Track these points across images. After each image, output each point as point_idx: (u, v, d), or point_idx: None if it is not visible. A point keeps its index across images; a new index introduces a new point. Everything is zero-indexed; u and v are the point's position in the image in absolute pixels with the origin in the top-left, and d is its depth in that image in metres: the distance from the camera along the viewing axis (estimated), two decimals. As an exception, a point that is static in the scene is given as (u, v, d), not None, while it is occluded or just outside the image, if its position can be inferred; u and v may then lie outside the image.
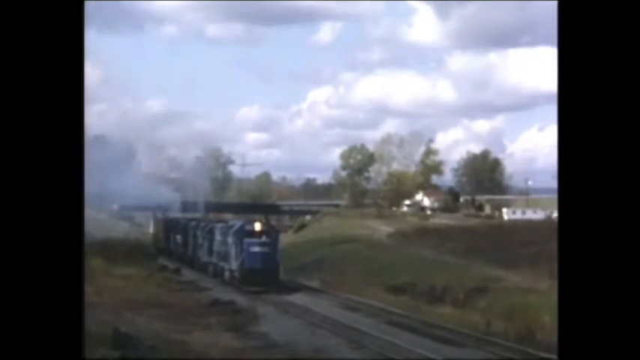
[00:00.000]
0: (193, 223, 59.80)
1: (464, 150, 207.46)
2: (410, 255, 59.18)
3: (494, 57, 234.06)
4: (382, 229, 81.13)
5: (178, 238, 64.07)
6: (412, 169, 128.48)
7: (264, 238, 44.15)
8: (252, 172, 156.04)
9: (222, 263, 47.87)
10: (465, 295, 40.33)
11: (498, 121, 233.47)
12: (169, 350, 22.56)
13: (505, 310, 34.20)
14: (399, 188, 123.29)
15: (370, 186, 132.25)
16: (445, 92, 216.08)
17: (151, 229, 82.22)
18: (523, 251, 54.33)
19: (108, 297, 32.33)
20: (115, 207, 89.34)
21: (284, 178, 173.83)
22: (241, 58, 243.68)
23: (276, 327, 30.52)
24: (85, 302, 10.87)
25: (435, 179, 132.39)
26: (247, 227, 45.29)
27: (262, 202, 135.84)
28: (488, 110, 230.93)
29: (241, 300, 38.82)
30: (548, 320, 27.96)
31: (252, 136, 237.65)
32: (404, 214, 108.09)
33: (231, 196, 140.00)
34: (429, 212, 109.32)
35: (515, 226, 77.67)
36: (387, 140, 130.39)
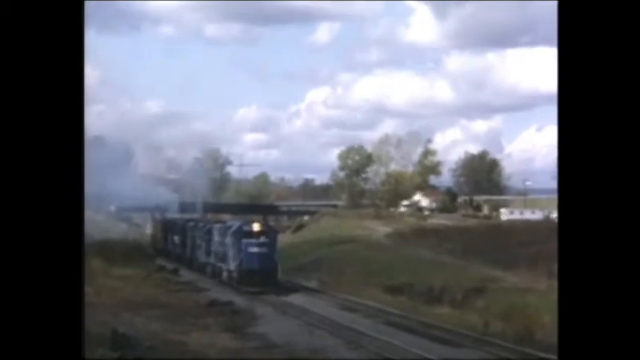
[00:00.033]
0: (191, 224, 59.79)
1: (462, 150, 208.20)
2: (408, 255, 59.21)
3: (492, 57, 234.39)
4: (380, 229, 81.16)
5: (176, 238, 64.07)
6: (410, 169, 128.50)
7: (262, 239, 44.11)
8: (250, 173, 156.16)
9: (220, 264, 47.85)
10: (463, 296, 40.35)
11: (496, 121, 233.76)
12: (167, 351, 22.56)
13: (503, 311, 34.21)
14: (396, 189, 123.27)
15: (368, 186, 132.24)
16: (443, 92, 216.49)
17: (149, 230, 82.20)
18: (521, 251, 54.38)
19: (106, 297, 32.31)
20: (113, 208, 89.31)
21: (282, 179, 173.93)
22: (239, 59, 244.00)
23: (274, 327, 30.53)
24: (84, 302, 10.87)
25: (432, 180, 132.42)
26: (245, 228, 45.25)
27: (260, 202, 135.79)
28: (486, 110, 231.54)
29: (239, 300, 38.81)
30: (546, 320, 27.98)
31: (250, 137, 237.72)
32: (402, 214, 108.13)
33: (229, 197, 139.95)
34: (426, 213, 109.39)
35: (513, 226, 77.68)
36: (384, 141, 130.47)
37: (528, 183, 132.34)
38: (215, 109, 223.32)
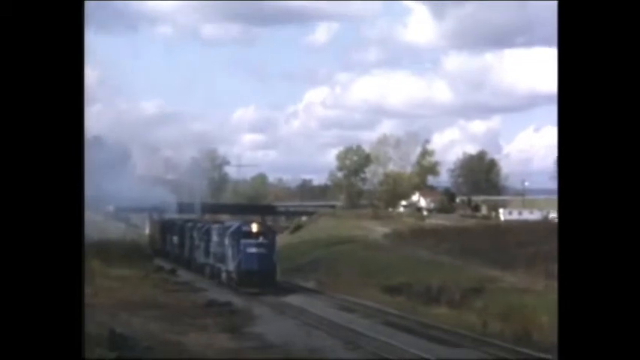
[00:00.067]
0: (190, 225, 59.73)
1: (460, 151, 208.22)
2: (406, 256, 59.24)
3: (490, 57, 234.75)
4: (378, 229, 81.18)
5: (175, 239, 64.02)
6: (408, 169, 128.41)
7: (261, 239, 44.03)
8: (248, 174, 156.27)
9: (218, 264, 47.78)
10: (461, 296, 40.39)
11: (494, 121, 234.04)
12: (165, 351, 22.55)
13: (501, 311, 34.24)
14: (395, 189, 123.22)
15: (366, 187, 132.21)
16: (441, 93, 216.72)
17: (147, 231, 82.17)
18: (519, 252, 54.45)
19: (104, 298, 32.27)
20: (111, 208, 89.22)
21: (280, 180, 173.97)
22: (237, 59, 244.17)
23: (272, 328, 30.50)
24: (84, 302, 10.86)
25: (431, 180, 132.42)
26: (244, 228, 45.17)
27: (258, 203, 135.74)
28: (484, 111, 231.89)
29: (237, 301, 38.78)
30: (544, 320, 27.99)
31: (248, 137, 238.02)
32: (400, 214, 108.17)
33: (227, 198, 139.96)
34: (425, 213, 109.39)
35: (511, 226, 77.82)
36: (383, 141, 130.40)
37: (526, 183, 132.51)
38: (213, 109, 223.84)
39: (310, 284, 48.51)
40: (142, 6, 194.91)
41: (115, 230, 78.14)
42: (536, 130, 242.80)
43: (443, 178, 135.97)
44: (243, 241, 43.72)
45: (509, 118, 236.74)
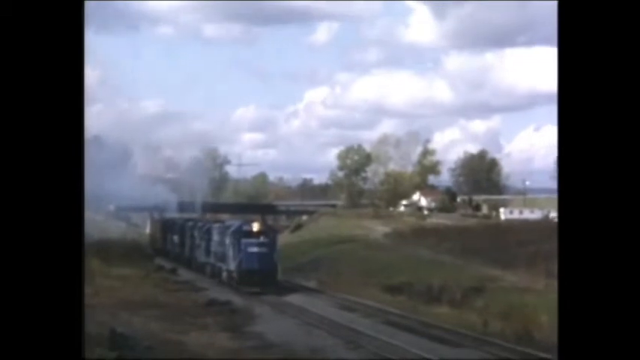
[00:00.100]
0: (190, 224, 59.68)
1: (461, 150, 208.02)
2: (407, 255, 59.26)
3: (490, 57, 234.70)
4: (379, 229, 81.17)
5: (175, 238, 63.99)
6: (409, 169, 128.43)
7: (262, 239, 43.95)
8: (249, 173, 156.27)
9: (219, 264, 47.74)
10: (462, 295, 40.41)
11: (495, 121, 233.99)
12: (166, 350, 22.52)
13: (502, 310, 34.24)
14: (395, 188, 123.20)
15: (367, 186, 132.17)
16: (442, 92, 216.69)
17: (148, 230, 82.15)
18: (520, 251, 54.45)
19: (105, 297, 32.26)
20: (112, 208, 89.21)
21: (280, 179, 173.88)
22: (237, 59, 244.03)
23: (272, 327, 30.49)
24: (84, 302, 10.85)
25: (432, 179, 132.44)
26: (245, 227, 45.05)
27: (259, 202, 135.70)
28: (484, 110, 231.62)
29: (238, 300, 38.77)
30: (545, 320, 27.98)
31: (248, 137, 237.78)
32: (401, 214, 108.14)
33: (227, 197, 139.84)
34: (426, 212, 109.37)
35: (512, 226, 77.78)
36: (383, 140, 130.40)
37: (527, 182, 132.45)
38: (214, 108, 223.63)
39: (311, 283, 48.50)
40: (143, 6, 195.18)
41: (116, 229, 78.25)
42: (537, 129, 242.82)
43: (444, 178, 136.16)
44: (244, 240, 43.64)
45: (510, 118, 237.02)
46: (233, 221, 55.72)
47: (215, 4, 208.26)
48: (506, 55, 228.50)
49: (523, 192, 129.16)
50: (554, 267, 10.56)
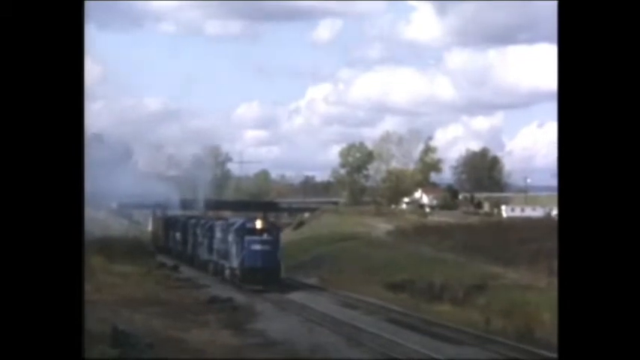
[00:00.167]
0: (193, 221, 59.64)
1: (463, 147, 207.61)
2: (409, 252, 59.23)
3: (493, 54, 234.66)
4: (381, 226, 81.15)
5: (177, 235, 63.97)
6: (411, 166, 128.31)
7: (265, 236, 43.83)
8: (251, 170, 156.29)
9: (222, 261, 47.68)
10: (463, 293, 40.41)
11: (497, 118, 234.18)
12: (167, 348, 22.52)
13: (504, 308, 34.23)
14: (397, 186, 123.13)
15: (369, 184, 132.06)
16: (444, 90, 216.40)
17: (150, 227, 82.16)
18: (522, 249, 54.41)
19: (107, 294, 32.28)
20: (114, 205, 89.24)
21: (283, 176, 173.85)
22: (240, 56, 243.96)
23: (274, 324, 30.48)
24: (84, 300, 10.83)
25: (433, 177, 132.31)
26: (248, 225, 44.84)
27: (261, 199, 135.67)
28: (487, 108, 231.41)
29: (240, 297, 38.76)
30: (547, 317, 27.97)
31: (250, 134, 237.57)
32: (403, 211, 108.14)
33: (229, 194, 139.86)
34: (427, 210, 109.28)
35: (513, 223, 77.75)
36: (385, 138, 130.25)
37: (529, 180, 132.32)
38: (216, 106, 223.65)
39: (313, 281, 48.46)
40: (146, 3, 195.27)
41: (118, 227, 78.32)
42: (539, 126, 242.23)
43: (445, 175, 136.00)
44: (247, 237, 43.51)
45: (512, 115, 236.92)
46: (236, 219, 55.65)
47: (217, 2, 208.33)
48: (509, 53, 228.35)
49: (525, 190, 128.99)
50: (556, 264, 10.55)
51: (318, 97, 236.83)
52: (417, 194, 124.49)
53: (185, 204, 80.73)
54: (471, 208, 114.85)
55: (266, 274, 42.75)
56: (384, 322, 32.21)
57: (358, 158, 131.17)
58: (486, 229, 69.94)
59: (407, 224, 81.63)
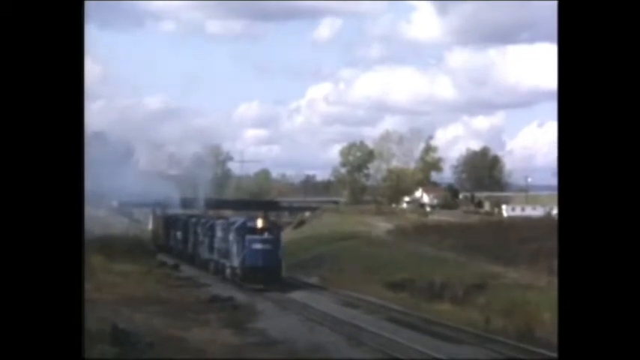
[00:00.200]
0: (193, 220, 59.62)
1: (463, 147, 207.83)
2: (409, 252, 59.25)
3: (493, 54, 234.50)
4: (381, 225, 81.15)
5: (178, 234, 63.93)
6: (411, 165, 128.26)
7: (266, 235, 43.79)
8: (252, 169, 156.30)
9: (223, 260, 47.65)
10: (464, 292, 40.44)
11: (498, 117, 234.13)
12: (168, 347, 22.52)
13: (504, 307, 34.25)
14: (398, 185, 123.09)
15: (369, 183, 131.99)
16: (444, 89, 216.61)
17: (150, 226, 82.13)
18: (522, 248, 54.41)
19: (107, 293, 32.29)
20: (115, 204, 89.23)
21: (283, 175, 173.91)
22: (240, 55, 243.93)
23: (275, 323, 30.49)
24: (84, 298, 10.83)
25: (434, 176, 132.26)
26: (249, 224, 44.76)
27: (261, 198, 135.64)
28: (487, 107, 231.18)
29: (240, 296, 38.76)
30: (547, 317, 27.98)
31: (251, 133, 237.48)
32: (403, 210, 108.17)
33: (230, 193, 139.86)
34: (428, 209, 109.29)
35: (514, 222, 77.78)
36: (386, 137, 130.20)
37: (529, 179, 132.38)
38: (216, 105, 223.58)
39: (313, 280, 48.46)
40: (147, 3, 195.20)
41: (119, 226, 78.21)
42: (540, 126, 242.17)
43: (446, 175, 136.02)
44: (248, 236, 43.46)
45: (512, 115, 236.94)
46: (237, 218, 55.63)
47: (218, 1, 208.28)
48: (509, 52, 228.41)
49: (525, 189, 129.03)
50: (556, 264, 10.56)
51: (319, 96, 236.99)
52: (418, 193, 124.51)
53: (186, 203, 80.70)
54: (472, 208, 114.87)
55: (267, 273, 42.72)
56: (384, 321, 32.22)
57: (359, 157, 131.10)
58: (487, 229, 69.95)
59: (407, 223, 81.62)
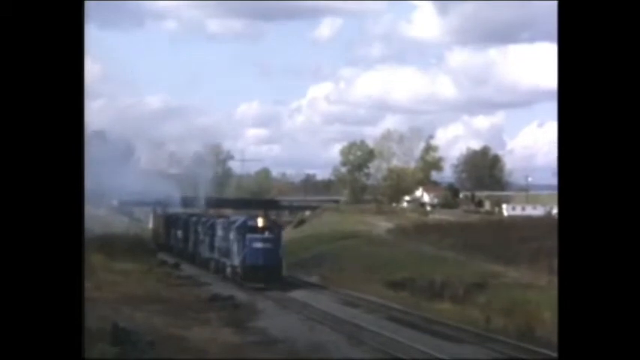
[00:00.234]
0: (194, 219, 59.61)
1: (464, 146, 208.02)
2: (410, 251, 59.25)
3: (494, 53, 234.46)
4: (382, 224, 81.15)
5: (179, 233, 63.93)
6: (412, 165, 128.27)
7: (266, 234, 43.76)
8: (252, 168, 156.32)
9: (223, 259, 47.63)
10: (464, 291, 40.43)
11: (498, 117, 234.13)
12: (168, 345, 22.53)
13: (504, 306, 34.24)
14: (398, 184, 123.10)
15: (370, 182, 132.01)
16: (445, 88, 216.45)
17: (151, 225, 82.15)
18: (522, 247, 54.43)
19: (107, 292, 32.30)
20: (115, 202, 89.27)
21: (284, 174, 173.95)
22: (241, 54, 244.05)
23: (275, 322, 30.50)
24: (85, 297, 10.84)
25: (434, 175, 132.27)
26: (250, 223, 44.72)
27: (262, 197, 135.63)
28: (488, 106, 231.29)
29: (241, 295, 38.77)
30: (547, 316, 27.98)
31: (251, 132, 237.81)
32: (403, 210, 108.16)
33: (230, 192, 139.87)
34: (428, 208, 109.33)
35: (514, 222, 77.83)
36: (386, 136, 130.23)
37: (530, 179, 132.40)
38: (217, 104, 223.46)
39: (314, 279, 48.46)
40: (147, 2, 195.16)
41: (119, 224, 78.30)
42: (540, 125, 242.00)
43: (446, 174, 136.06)
44: (248, 235, 43.43)
45: (513, 114, 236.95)
46: (237, 216, 55.62)
47: (219, 0, 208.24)
48: (510, 52, 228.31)
49: (525, 188, 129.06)
50: (557, 263, 10.57)
51: (320, 95, 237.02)
52: (418, 193, 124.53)
53: (186, 202, 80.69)
54: (472, 207, 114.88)
55: (267, 272, 42.70)
56: (384, 320, 32.23)
57: (359, 156, 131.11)
58: (487, 228, 69.97)
59: (408, 222, 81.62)
